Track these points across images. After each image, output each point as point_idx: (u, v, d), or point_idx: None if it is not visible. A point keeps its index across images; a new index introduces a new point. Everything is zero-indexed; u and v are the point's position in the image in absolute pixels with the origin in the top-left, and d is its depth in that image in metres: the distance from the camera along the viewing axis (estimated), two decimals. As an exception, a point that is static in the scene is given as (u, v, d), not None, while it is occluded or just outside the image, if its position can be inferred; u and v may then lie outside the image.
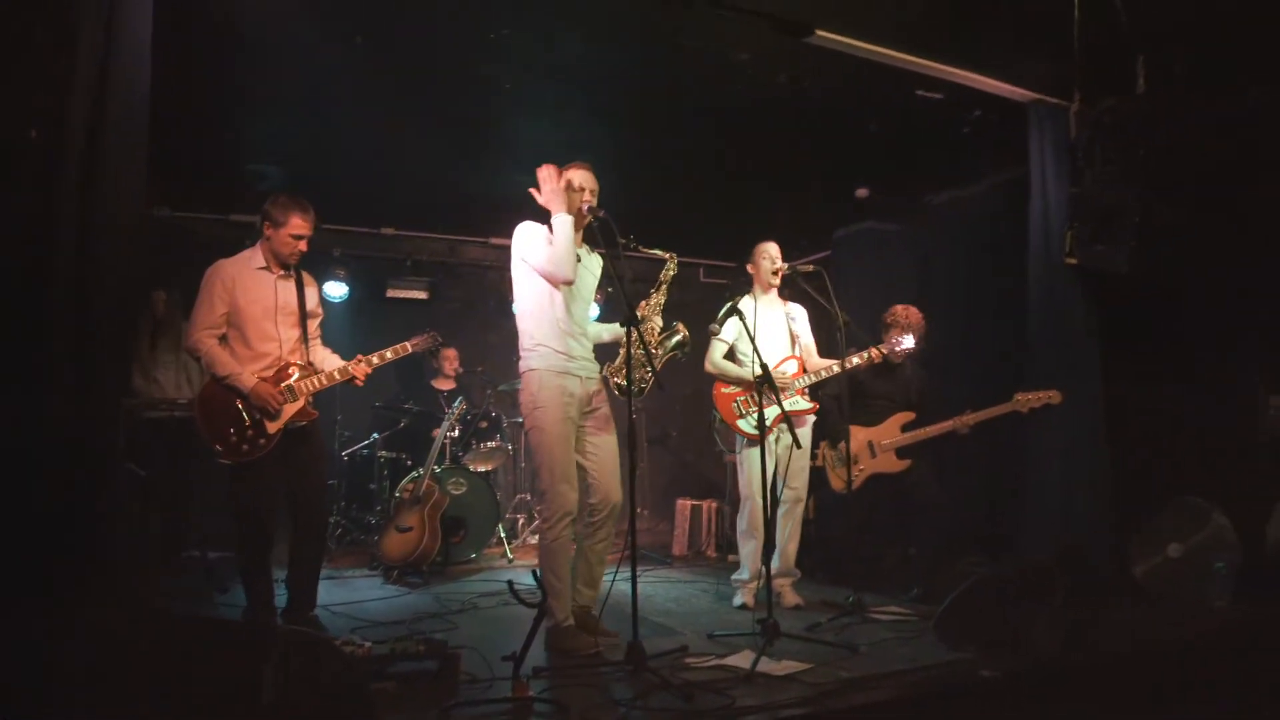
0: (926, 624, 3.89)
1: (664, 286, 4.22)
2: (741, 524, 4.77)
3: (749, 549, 4.71)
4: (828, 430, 5.10)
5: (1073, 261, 4.58)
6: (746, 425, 4.68)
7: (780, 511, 4.70)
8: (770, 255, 4.79)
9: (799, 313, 4.93)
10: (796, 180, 6.33)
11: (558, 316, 3.82)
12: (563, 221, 3.71)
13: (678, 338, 4.16)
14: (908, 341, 4.83)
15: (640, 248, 3.96)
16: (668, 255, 4.18)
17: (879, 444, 4.95)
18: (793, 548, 4.74)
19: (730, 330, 4.67)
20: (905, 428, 4.93)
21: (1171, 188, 4.50)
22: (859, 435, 4.94)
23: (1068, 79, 4.66)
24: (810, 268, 4.62)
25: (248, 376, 3.75)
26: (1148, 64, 4.40)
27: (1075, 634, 3.46)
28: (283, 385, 3.84)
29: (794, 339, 4.87)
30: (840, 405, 4.80)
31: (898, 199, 6.66)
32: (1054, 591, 3.69)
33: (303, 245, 3.91)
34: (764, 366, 3.95)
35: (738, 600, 4.73)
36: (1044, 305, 4.77)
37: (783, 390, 4.52)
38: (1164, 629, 3.89)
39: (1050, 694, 3.21)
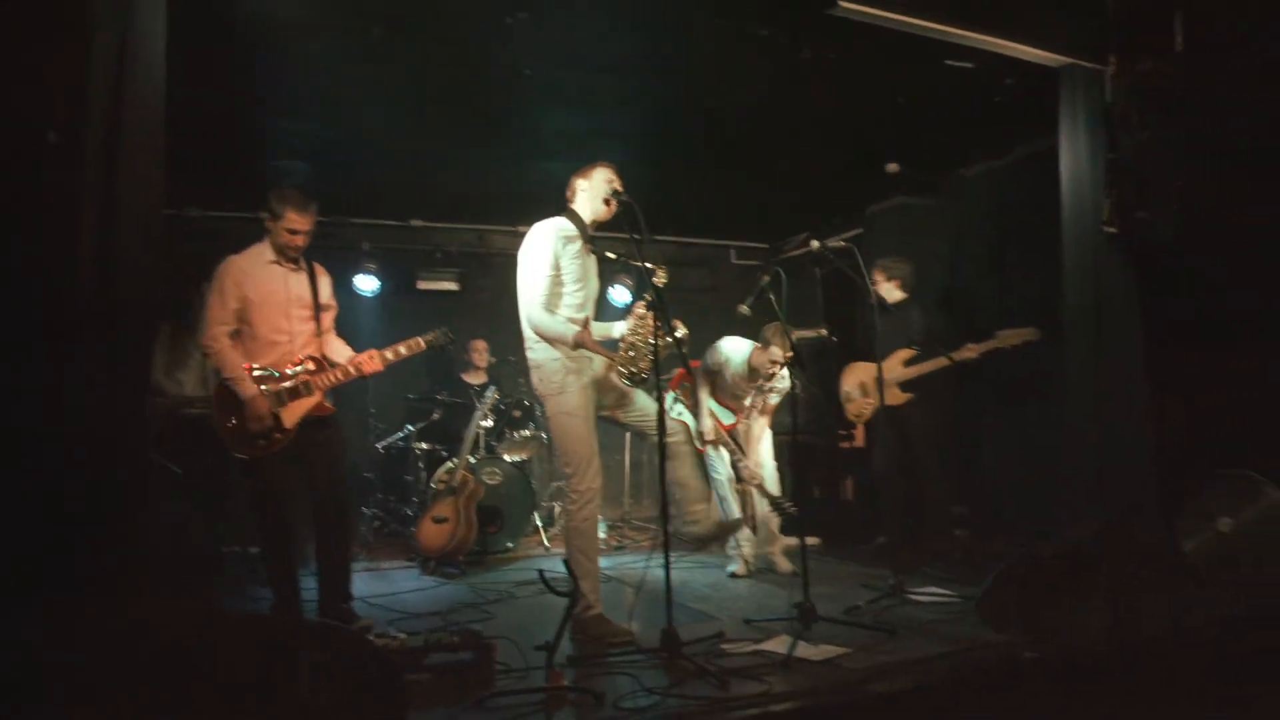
0: (967, 606, 3.81)
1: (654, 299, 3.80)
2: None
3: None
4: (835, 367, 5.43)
5: (1112, 230, 4.43)
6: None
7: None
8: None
9: None
10: (827, 157, 6.21)
11: (565, 309, 3.81)
12: None
13: (677, 334, 3.84)
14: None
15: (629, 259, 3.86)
16: (659, 267, 3.78)
17: (885, 378, 5.04)
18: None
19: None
20: (907, 364, 5.11)
21: (1215, 151, 4.34)
22: (865, 371, 5.22)
23: (1102, 41, 4.51)
24: (842, 245, 4.58)
25: (249, 385, 3.69)
26: (1186, 22, 4.24)
27: (1122, 614, 3.37)
28: (297, 381, 3.82)
29: None
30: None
31: (930, 173, 6.53)
32: (1098, 571, 3.59)
33: (299, 240, 3.89)
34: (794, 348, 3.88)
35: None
36: (1078, 275, 4.62)
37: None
38: (1216, 608, 3.77)
39: (1097, 676, 3.13)
